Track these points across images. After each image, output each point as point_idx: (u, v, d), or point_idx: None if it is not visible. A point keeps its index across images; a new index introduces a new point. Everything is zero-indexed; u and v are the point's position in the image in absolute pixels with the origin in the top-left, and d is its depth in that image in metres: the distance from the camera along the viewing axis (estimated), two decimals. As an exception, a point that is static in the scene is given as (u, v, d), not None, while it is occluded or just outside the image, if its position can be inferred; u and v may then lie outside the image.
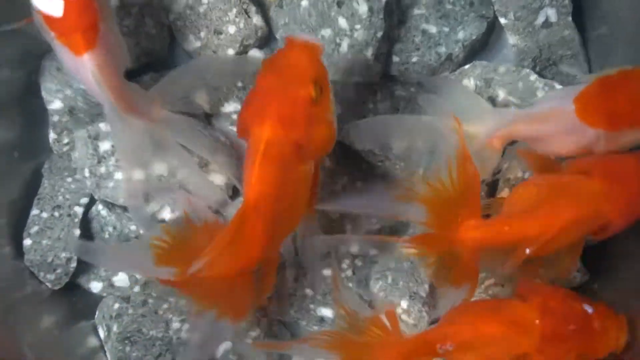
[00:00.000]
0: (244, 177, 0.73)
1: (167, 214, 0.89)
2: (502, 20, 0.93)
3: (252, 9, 0.92)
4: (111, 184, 0.88)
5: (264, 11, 0.94)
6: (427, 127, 0.84)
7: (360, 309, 0.77)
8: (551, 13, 0.92)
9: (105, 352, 0.89)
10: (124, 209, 0.90)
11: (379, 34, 0.90)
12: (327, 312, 0.89)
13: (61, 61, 0.81)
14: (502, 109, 0.88)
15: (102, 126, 0.89)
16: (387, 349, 0.74)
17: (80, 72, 0.79)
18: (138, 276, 0.90)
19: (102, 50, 0.78)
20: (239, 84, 0.92)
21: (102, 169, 0.88)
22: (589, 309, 0.75)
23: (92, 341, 0.90)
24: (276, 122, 0.72)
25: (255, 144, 0.72)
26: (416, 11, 0.94)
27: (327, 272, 0.89)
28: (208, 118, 0.93)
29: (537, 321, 0.72)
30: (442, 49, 0.93)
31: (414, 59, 0.93)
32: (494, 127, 0.82)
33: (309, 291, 0.89)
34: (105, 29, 0.78)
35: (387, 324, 0.75)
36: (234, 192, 0.91)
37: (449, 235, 0.74)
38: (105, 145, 0.88)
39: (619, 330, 0.75)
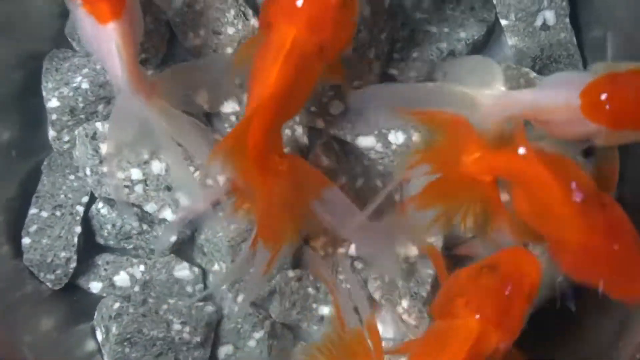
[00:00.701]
0: (259, 70, 0.75)
1: (168, 214, 0.89)
2: (503, 22, 0.93)
3: (250, 12, 0.91)
4: (114, 182, 0.87)
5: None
6: (432, 93, 0.84)
7: (352, 315, 0.78)
8: (549, 15, 0.93)
9: (102, 355, 0.88)
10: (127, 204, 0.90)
11: (382, 36, 0.90)
12: (327, 310, 0.89)
13: (82, 30, 0.80)
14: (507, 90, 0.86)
15: (99, 125, 0.88)
16: None
17: (101, 42, 0.78)
18: (138, 276, 0.90)
19: (127, 22, 0.77)
20: (237, 82, 0.91)
21: (105, 168, 0.88)
22: (500, 272, 0.74)
23: (91, 343, 0.89)
24: (305, 23, 0.73)
25: (279, 41, 0.73)
26: (419, 15, 0.94)
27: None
28: (208, 118, 0.92)
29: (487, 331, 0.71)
30: (444, 45, 0.93)
31: (415, 54, 0.92)
32: (497, 103, 0.81)
33: (311, 290, 0.89)
34: (131, 0, 0.78)
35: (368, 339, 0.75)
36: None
37: (455, 168, 0.75)
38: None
39: (533, 263, 0.75)
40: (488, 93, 0.81)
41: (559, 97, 0.78)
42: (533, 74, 0.90)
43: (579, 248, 0.73)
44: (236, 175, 0.76)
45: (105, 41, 0.77)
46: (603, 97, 0.75)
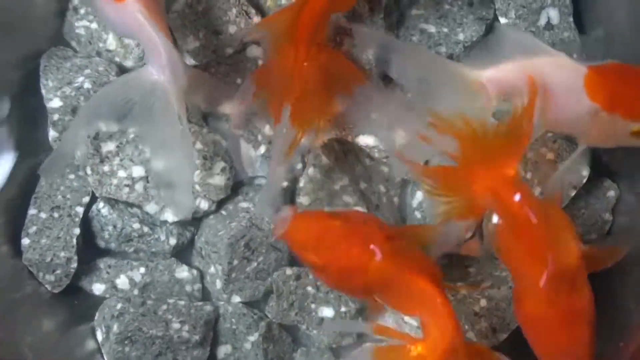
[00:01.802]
0: None
1: (169, 216, 0.89)
2: (502, 20, 0.92)
3: (252, 11, 0.92)
4: (115, 181, 0.88)
5: (263, 14, 0.93)
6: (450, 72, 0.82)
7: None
8: (553, 14, 0.92)
9: (102, 355, 0.88)
10: (127, 205, 0.90)
11: (380, 35, 0.90)
12: (328, 311, 0.89)
13: (106, 17, 0.79)
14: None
15: (102, 125, 0.88)
16: None
17: (124, 19, 0.77)
18: (137, 279, 0.90)
19: None
20: (238, 81, 0.92)
21: (106, 168, 0.88)
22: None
23: (91, 343, 0.89)
24: None
25: None
26: (415, 11, 0.94)
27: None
28: (205, 117, 0.92)
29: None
30: (443, 49, 0.92)
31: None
32: (500, 51, 0.79)
33: (310, 289, 0.89)
34: None
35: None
36: (232, 191, 0.92)
37: (473, 175, 0.73)
38: (108, 146, 0.88)
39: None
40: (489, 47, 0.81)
41: (568, 61, 0.77)
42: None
43: (531, 316, 0.73)
44: (273, 53, 0.81)
45: (127, 16, 0.76)
46: (608, 74, 0.76)
